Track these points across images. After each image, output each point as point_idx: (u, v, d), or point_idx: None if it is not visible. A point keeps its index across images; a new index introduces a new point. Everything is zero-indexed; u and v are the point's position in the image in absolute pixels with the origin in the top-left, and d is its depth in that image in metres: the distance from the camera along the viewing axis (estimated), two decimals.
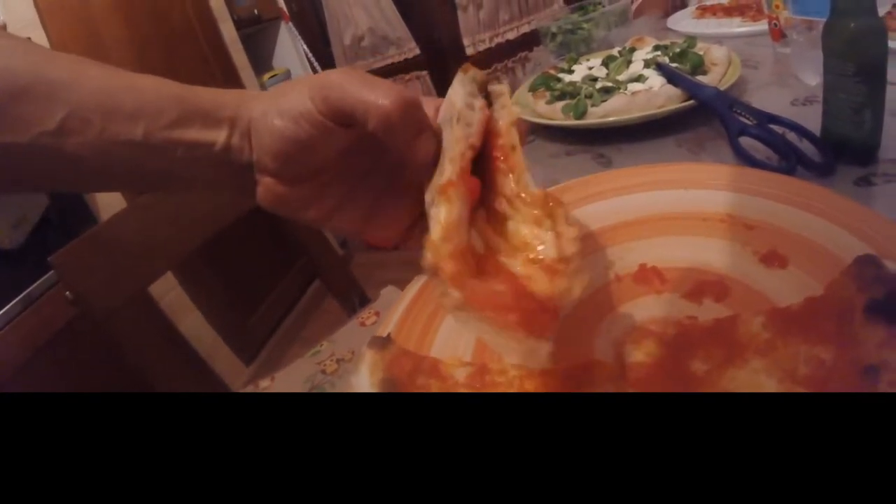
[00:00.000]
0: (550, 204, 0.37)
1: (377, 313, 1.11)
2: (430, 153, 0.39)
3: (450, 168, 0.36)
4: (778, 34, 0.93)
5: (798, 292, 0.36)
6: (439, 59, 2.75)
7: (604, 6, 1.30)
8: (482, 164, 0.40)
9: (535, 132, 0.90)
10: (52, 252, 0.84)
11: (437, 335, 0.43)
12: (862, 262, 0.33)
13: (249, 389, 1.05)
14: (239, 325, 2.19)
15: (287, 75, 2.86)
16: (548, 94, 0.91)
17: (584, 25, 1.23)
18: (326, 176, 0.41)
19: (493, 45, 2.66)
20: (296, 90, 0.38)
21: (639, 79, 0.85)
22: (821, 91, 0.59)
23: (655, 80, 0.82)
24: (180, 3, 2.22)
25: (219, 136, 0.39)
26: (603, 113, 0.80)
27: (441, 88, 2.78)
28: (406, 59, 2.81)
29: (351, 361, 1.00)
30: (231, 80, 2.40)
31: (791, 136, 0.62)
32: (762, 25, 1.02)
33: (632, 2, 1.38)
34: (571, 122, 0.83)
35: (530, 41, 2.58)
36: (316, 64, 2.87)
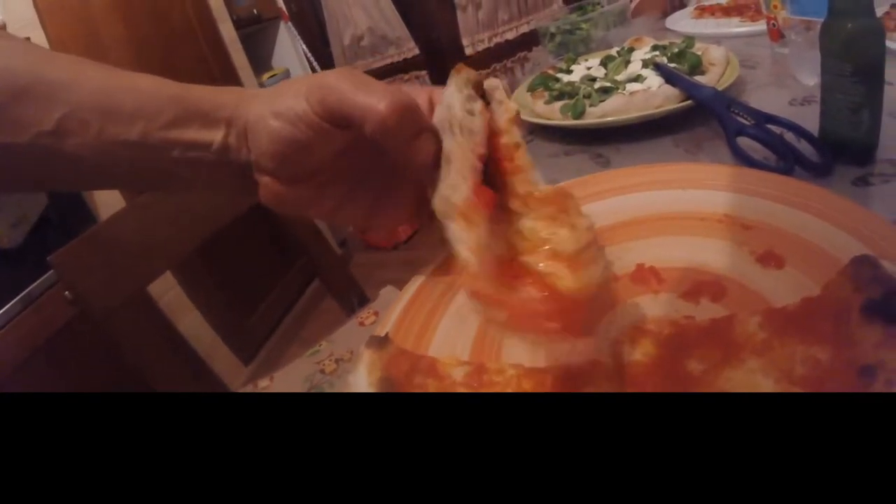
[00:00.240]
0: (562, 199, 0.38)
1: (376, 313, 1.11)
2: (429, 154, 0.39)
3: (463, 185, 0.37)
4: (776, 34, 0.93)
5: (795, 292, 0.36)
6: (438, 59, 2.75)
7: (602, 6, 1.30)
8: (489, 164, 0.40)
9: (534, 132, 0.90)
10: (51, 251, 0.84)
11: (435, 335, 0.43)
12: (859, 263, 0.33)
13: (248, 389, 1.05)
14: (238, 324, 2.19)
15: (286, 75, 2.86)
16: (546, 94, 0.91)
17: (583, 25, 1.23)
18: (326, 175, 0.41)
19: (491, 45, 2.66)
20: (291, 91, 0.38)
21: (637, 79, 0.85)
22: (819, 91, 0.59)
23: (654, 80, 0.82)
24: (179, 3, 2.22)
25: (215, 137, 0.39)
26: (601, 113, 0.80)
27: None
28: (405, 59, 2.81)
29: (350, 361, 1.00)
30: (230, 79, 2.40)
31: (789, 137, 0.62)
32: (760, 25, 1.02)
33: (630, 2, 1.38)
34: (570, 122, 0.83)
35: (529, 41, 2.58)
36: (315, 64, 2.87)
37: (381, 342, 0.38)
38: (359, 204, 0.45)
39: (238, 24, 2.51)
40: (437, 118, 0.40)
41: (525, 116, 0.90)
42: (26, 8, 1.63)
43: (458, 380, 0.38)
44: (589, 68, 0.98)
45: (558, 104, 0.86)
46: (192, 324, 1.92)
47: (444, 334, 0.43)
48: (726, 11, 1.22)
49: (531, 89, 0.97)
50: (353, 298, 1.23)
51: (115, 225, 0.98)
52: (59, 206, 1.55)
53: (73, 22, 1.76)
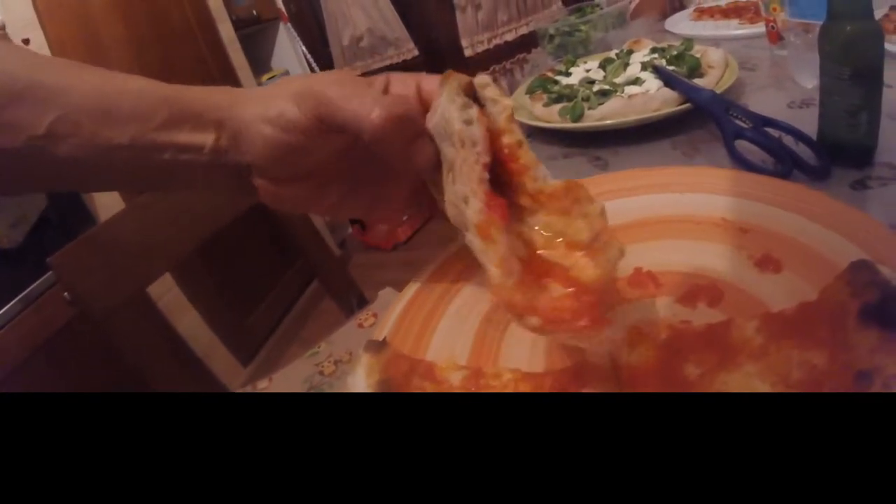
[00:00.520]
0: (572, 190, 0.38)
1: (375, 315, 1.11)
2: (427, 159, 0.39)
3: (474, 200, 0.36)
4: (775, 37, 0.93)
5: (792, 297, 0.36)
6: (438, 59, 2.76)
7: (602, 8, 1.30)
8: (494, 166, 0.39)
9: (532, 134, 0.90)
10: (51, 251, 0.84)
11: (433, 339, 0.43)
12: (856, 267, 0.33)
13: (247, 390, 1.05)
14: (237, 325, 2.19)
15: (286, 76, 2.86)
16: (545, 96, 0.92)
17: (582, 27, 1.23)
18: (324, 173, 0.41)
19: (491, 46, 2.66)
20: (282, 95, 0.37)
21: (636, 81, 0.85)
22: (817, 94, 0.59)
23: (652, 83, 0.82)
24: (179, 4, 2.22)
25: (207, 140, 0.39)
26: (600, 116, 0.80)
27: None
28: (404, 60, 2.82)
29: (349, 363, 0.99)
30: (229, 80, 2.40)
31: (787, 140, 0.62)
32: (759, 28, 1.02)
33: (629, 3, 1.38)
34: (568, 125, 0.83)
35: (528, 42, 2.58)
36: (314, 65, 2.87)
37: (379, 346, 0.38)
38: (359, 198, 0.45)
39: (237, 25, 2.51)
40: (432, 124, 0.39)
41: (524, 119, 0.91)
42: (26, 8, 1.63)
43: (455, 384, 0.38)
44: (588, 71, 0.98)
45: (557, 107, 0.86)
46: (190, 324, 1.92)
47: (442, 338, 0.43)
48: (725, 13, 1.22)
49: (530, 91, 0.97)
50: (352, 300, 1.23)
51: (114, 226, 0.97)
52: (58, 206, 1.55)
53: (73, 22, 1.77)
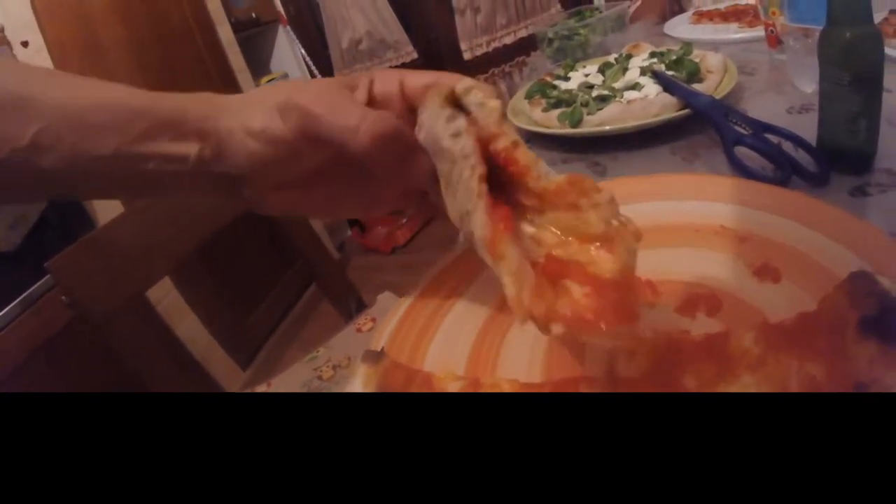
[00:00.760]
0: (577, 184, 0.36)
1: (374, 319, 1.11)
2: (424, 174, 0.38)
3: (477, 216, 0.35)
4: (774, 41, 0.93)
5: (791, 306, 0.36)
6: (437, 62, 2.76)
7: (600, 11, 1.30)
8: (494, 171, 0.38)
9: (531, 140, 0.90)
10: (50, 253, 0.84)
11: (430, 349, 0.42)
12: (855, 278, 0.33)
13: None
14: (236, 327, 2.19)
15: (285, 78, 2.86)
16: (544, 101, 0.91)
17: (581, 31, 1.23)
18: (311, 179, 0.41)
19: (490, 49, 2.67)
20: (263, 106, 0.37)
21: (635, 87, 0.85)
22: (817, 99, 0.59)
23: (651, 88, 0.82)
24: (178, 5, 2.22)
25: (190, 150, 0.38)
26: (598, 121, 0.80)
27: None
28: (403, 63, 2.82)
29: (347, 367, 0.99)
30: (228, 82, 2.41)
31: (786, 145, 0.62)
32: (758, 31, 1.02)
33: (628, 7, 1.38)
34: (567, 130, 0.83)
35: (527, 45, 2.59)
36: (314, 67, 2.87)
37: (376, 356, 0.38)
38: (349, 198, 0.44)
39: (236, 27, 2.51)
40: (422, 138, 0.38)
41: (522, 124, 0.90)
42: (24, 10, 1.63)
43: None
44: (587, 75, 0.98)
45: (556, 112, 0.86)
46: (189, 327, 1.92)
47: (440, 348, 0.43)
48: (724, 17, 1.22)
49: (529, 96, 0.97)
50: (351, 304, 1.23)
51: (113, 229, 0.97)
52: (57, 208, 1.55)
53: (72, 23, 1.76)
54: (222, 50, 2.43)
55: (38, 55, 1.63)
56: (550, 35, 1.27)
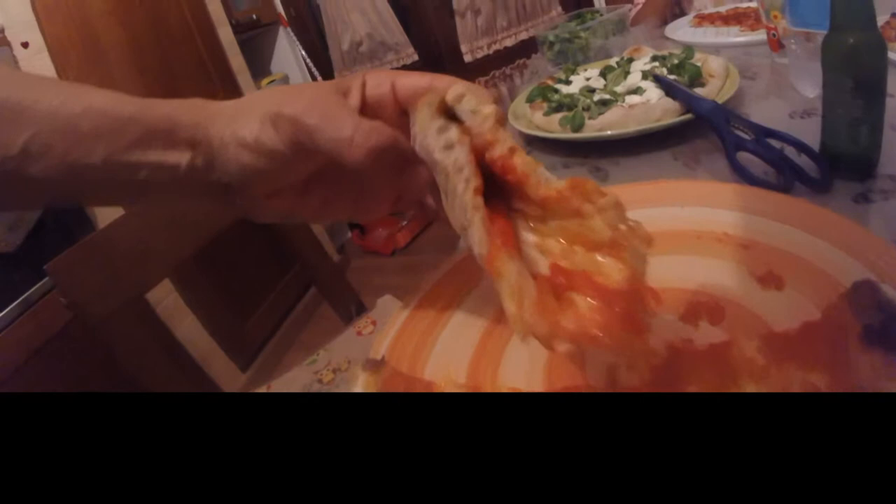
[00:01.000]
0: (579, 188, 0.35)
1: (374, 322, 1.11)
2: (421, 184, 0.38)
3: (474, 233, 0.34)
4: (776, 44, 0.93)
5: (794, 314, 0.36)
6: (437, 64, 2.75)
7: (602, 14, 1.30)
8: (491, 179, 0.36)
9: (532, 144, 0.90)
10: (49, 255, 0.84)
11: (431, 357, 0.42)
12: (859, 287, 0.33)
13: None
14: (235, 329, 2.18)
15: (285, 80, 2.86)
16: (545, 105, 0.91)
17: (582, 34, 1.23)
18: (305, 185, 0.41)
19: (490, 51, 2.66)
20: (254, 115, 0.36)
21: (636, 91, 0.84)
22: (819, 103, 0.59)
23: (653, 92, 0.82)
24: (178, 7, 2.22)
25: (181, 159, 0.38)
26: (600, 126, 0.80)
27: None
28: (404, 65, 2.81)
29: (347, 371, 0.99)
30: (228, 84, 2.40)
31: (789, 151, 0.62)
32: (760, 35, 1.02)
33: (629, 10, 1.38)
34: (568, 134, 0.82)
35: (528, 48, 2.58)
36: (314, 69, 2.87)
37: (377, 364, 0.38)
38: (343, 201, 0.43)
39: (237, 29, 2.51)
40: (417, 150, 0.37)
41: (524, 128, 0.90)
42: (24, 11, 1.63)
43: None
44: (588, 79, 0.98)
45: (557, 116, 0.85)
46: (189, 329, 1.92)
47: (440, 355, 0.42)
48: (726, 20, 1.21)
49: (530, 100, 0.97)
50: (351, 307, 1.23)
51: (112, 231, 0.97)
52: (56, 210, 1.54)
53: (72, 24, 1.76)
54: (222, 51, 2.42)
55: (37, 56, 1.63)
56: (551, 38, 1.27)
